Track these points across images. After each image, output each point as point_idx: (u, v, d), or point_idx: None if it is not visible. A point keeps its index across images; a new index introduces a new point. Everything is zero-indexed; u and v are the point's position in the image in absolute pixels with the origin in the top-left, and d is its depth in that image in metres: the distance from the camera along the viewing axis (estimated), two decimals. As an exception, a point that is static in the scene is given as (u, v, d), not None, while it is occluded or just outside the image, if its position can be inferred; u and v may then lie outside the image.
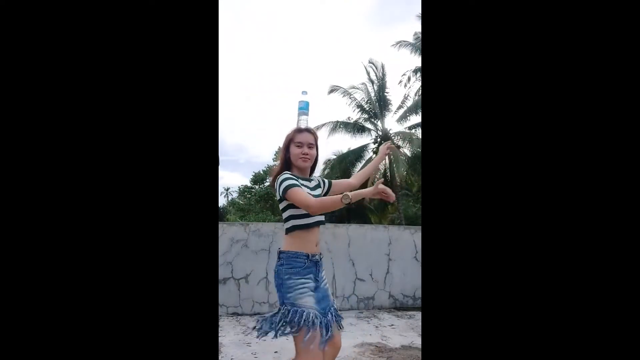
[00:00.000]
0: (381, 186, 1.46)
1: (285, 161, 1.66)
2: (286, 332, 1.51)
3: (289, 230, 1.59)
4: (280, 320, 1.52)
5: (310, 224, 1.57)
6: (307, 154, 1.61)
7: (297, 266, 1.55)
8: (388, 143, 2.03)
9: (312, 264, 1.57)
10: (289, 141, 1.65)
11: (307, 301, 1.53)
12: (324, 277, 1.66)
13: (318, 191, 1.68)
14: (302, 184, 1.59)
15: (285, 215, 1.59)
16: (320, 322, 1.51)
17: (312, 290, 1.56)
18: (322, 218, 1.60)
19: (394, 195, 1.54)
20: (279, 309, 1.55)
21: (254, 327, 1.61)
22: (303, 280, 1.54)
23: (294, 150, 1.62)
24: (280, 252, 1.59)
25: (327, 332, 1.52)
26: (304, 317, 1.50)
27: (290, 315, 1.51)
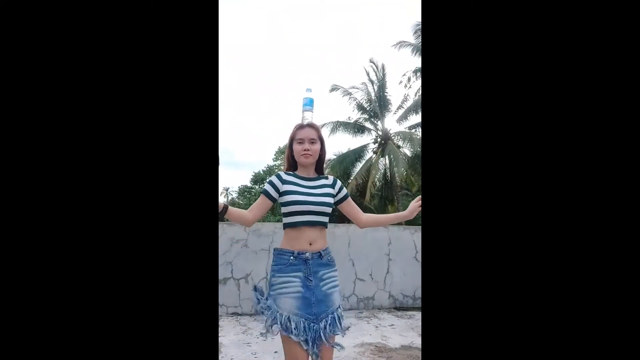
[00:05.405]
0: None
1: (291, 159, 1.66)
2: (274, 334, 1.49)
3: (283, 228, 1.59)
4: (265, 322, 1.50)
5: (294, 222, 1.53)
6: (309, 150, 1.59)
7: (281, 263, 1.52)
8: (418, 202, 1.64)
9: (299, 262, 1.50)
10: (292, 139, 1.63)
11: (285, 303, 1.47)
12: (329, 279, 1.55)
13: (323, 190, 1.60)
14: (299, 184, 1.58)
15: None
16: (296, 328, 1.43)
17: (296, 292, 1.48)
18: (310, 218, 1.53)
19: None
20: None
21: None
22: (285, 279, 1.49)
23: (296, 147, 1.61)
24: (274, 251, 1.59)
25: (307, 344, 1.43)
26: (278, 320, 1.46)
27: (266, 317, 1.50)
